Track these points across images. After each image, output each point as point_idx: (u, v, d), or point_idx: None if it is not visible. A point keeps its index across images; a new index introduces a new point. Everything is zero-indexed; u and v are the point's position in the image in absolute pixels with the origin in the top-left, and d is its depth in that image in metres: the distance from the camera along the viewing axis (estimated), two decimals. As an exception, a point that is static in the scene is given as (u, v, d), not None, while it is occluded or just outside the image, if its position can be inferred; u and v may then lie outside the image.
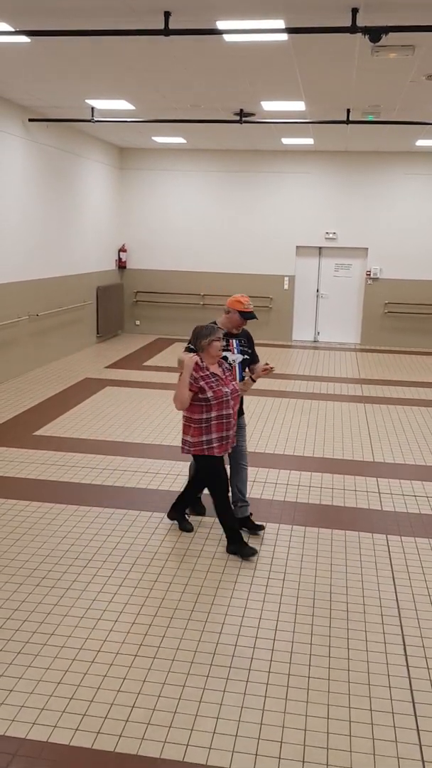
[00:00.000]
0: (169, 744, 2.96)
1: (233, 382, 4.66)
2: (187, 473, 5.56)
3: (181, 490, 5.30)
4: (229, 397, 4.55)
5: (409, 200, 13.25)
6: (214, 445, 4.55)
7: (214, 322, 4.80)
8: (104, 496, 5.69)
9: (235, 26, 5.66)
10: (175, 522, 5.17)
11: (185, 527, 5.05)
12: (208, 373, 4.52)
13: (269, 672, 3.47)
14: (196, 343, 4.59)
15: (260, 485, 6.01)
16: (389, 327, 13.63)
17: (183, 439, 4.64)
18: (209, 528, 5.11)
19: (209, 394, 4.46)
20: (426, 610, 4.09)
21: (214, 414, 4.51)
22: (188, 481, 5.10)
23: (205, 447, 4.55)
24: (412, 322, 13.53)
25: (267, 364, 4.87)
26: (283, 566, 4.58)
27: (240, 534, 4.71)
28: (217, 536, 4.98)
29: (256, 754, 2.92)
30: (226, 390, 4.54)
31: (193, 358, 4.50)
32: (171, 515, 5.13)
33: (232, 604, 4.10)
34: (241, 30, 5.61)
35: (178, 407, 4.52)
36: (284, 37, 5.93)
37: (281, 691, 3.32)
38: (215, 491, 4.65)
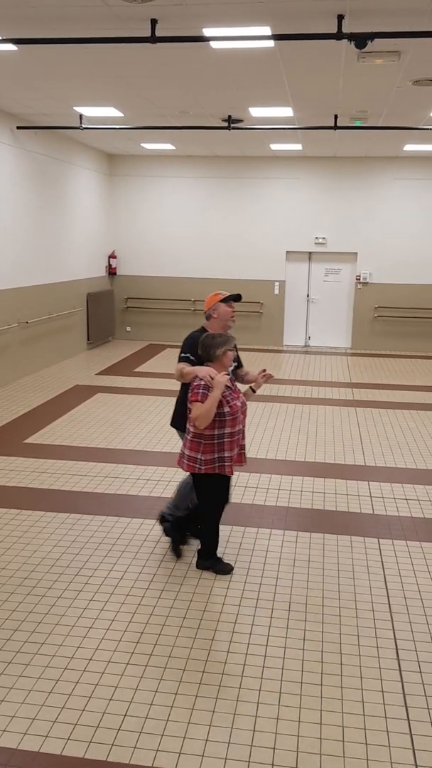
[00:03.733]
0: (162, 752, 2.95)
1: (241, 395, 4.44)
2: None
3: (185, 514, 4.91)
4: (240, 412, 4.33)
5: (398, 205, 13.32)
6: (226, 463, 4.28)
7: (203, 329, 4.66)
8: (96, 503, 5.67)
9: (221, 33, 5.68)
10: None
11: (225, 568, 4.54)
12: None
13: (262, 678, 3.46)
14: (207, 353, 4.32)
15: (252, 490, 6.01)
16: (379, 331, 13.67)
17: (191, 456, 4.27)
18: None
19: (225, 408, 4.21)
20: (418, 614, 4.09)
21: (227, 430, 4.24)
22: (191, 513, 4.75)
23: (217, 465, 4.26)
24: (402, 326, 13.58)
25: (264, 371, 4.60)
26: (276, 571, 4.57)
27: (215, 554, 4.58)
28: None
29: (249, 761, 2.91)
30: (238, 404, 4.31)
31: (223, 374, 4.20)
32: (169, 532, 4.76)
33: (224, 610, 4.09)
34: (228, 37, 5.64)
35: (201, 426, 4.14)
36: (271, 43, 5.96)
37: (274, 698, 3.31)
38: (212, 510, 4.46)
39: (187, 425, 4.34)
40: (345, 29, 5.46)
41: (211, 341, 4.33)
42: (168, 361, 12.03)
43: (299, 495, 5.93)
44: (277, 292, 13.86)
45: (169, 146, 12.37)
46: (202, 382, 4.20)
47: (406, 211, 13.32)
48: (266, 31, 5.68)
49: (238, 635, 3.83)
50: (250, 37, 5.65)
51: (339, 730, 3.11)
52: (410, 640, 3.82)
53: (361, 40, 5.44)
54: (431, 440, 7.61)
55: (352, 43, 5.49)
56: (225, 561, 4.61)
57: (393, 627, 3.95)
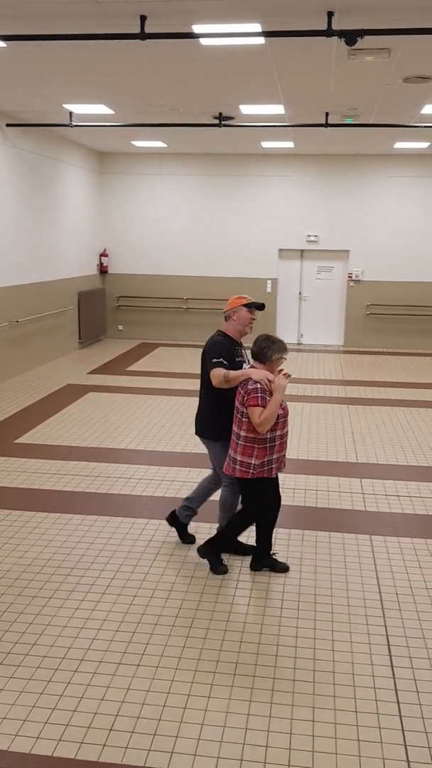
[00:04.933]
0: (154, 752, 2.94)
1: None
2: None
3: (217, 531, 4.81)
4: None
5: (389, 202, 13.33)
6: (273, 465, 4.28)
7: (221, 332, 4.55)
8: (88, 503, 5.65)
9: (211, 30, 5.66)
10: (175, 533, 4.96)
11: (220, 570, 4.50)
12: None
13: (254, 676, 3.45)
14: (264, 354, 4.23)
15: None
16: (372, 328, 13.69)
17: (243, 461, 4.20)
18: (193, 534, 5.09)
19: (279, 411, 4.17)
20: (409, 610, 4.10)
21: (278, 433, 4.23)
22: (224, 527, 4.58)
23: (266, 468, 4.24)
24: (394, 324, 13.59)
25: (282, 370, 4.33)
26: (269, 569, 4.56)
27: (220, 555, 4.56)
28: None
29: (242, 759, 2.90)
30: (286, 406, 4.32)
31: (281, 376, 4.16)
32: (204, 552, 4.55)
33: (216, 609, 4.08)
34: (218, 34, 5.61)
35: (265, 430, 4.11)
36: (261, 40, 5.95)
37: (266, 695, 3.31)
38: (253, 515, 4.41)
39: (238, 431, 4.24)
40: (335, 26, 5.44)
41: (270, 343, 4.25)
42: (160, 360, 12.01)
43: (292, 492, 5.92)
44: (269, 290, 13.84)
45: (160, 144, 12.34)
46: (259, 386, 4.12)
47: (398, 208, 13.33)
48: (256, 27, 5.66)
49: (231, 633, 3.82)
50: (240, 33, 5.63)
51: (331, 726, 3.10)
52: (402, 636, 3.82)
53: (350, 37, 5.42)
54: (423, 437, 7.63)
55: (342, 40, 5.47)
56: (222, 564, 4.56)
57: (385, 623, 3.95)
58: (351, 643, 3.75)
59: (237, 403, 4.25)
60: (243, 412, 4.18)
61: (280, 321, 14.02)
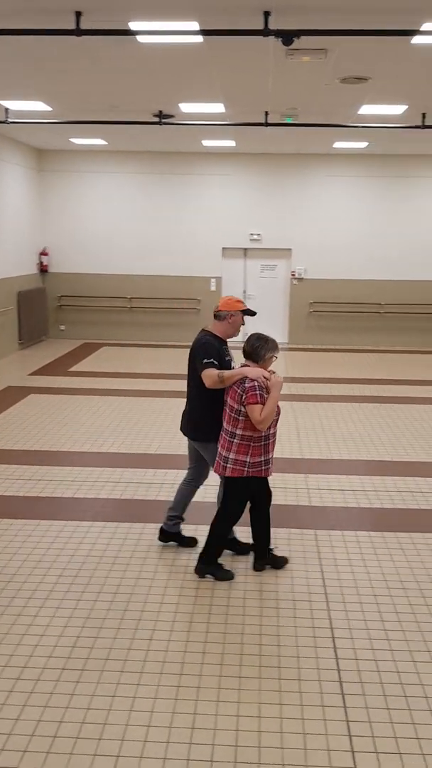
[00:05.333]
0: (99, 757, 2.90)
1: None
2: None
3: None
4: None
5: (330, 201, 13.52)
6: (270, 465, 4.32)
7: (207, 331, 4.50)
8: (31, 506, 5.54)
9: (148, 27, 5.62)
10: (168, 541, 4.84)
11: (226, 575, 4.42)
12: None
13: (201, 675, 3.45)
14: (257, 353, 4.24)
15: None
16: (315, 326, 13.87)
17: (237, 459, 4.19)
18: (138, 536, 5.06)
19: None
20: (353, 602, 4.16)
21: (272, 431, 4.26)
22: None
23: (263, 468, 4.26)
24: (337, 321, 13.80)
25: (273, 372, 4.32)
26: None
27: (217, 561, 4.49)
28: (147, 545, 4.93)
29: (188, 759, 2.90)
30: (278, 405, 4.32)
31: (276, 374, 4.21)
32: (199, 570, 4.46)
33: (162, 609, 4.06)
34: (155, 31, 5.59)
35: (265, 428, 4.12)
36: (199, 39, 5.94)
37: (212, 693, 3.31)
38: (230, 512, 4.36)
39: (233, 429, 4.21)
40: (272, 26, 5.48)
41: (264, 342, 4.26)
42: (104, 360, 11.88)
43: (237, 490, 5.94)
44: (213, 288, 13.87)
45: (100, 141, 12.21)
46: (256, 383, 4.12)
47: (338, 207, 13.54)
48: (194, 26, 5.66)
49: (176, 633, 3.81)
50: (177, 31, 5.61)
51: (277, 721, 3.13)
52: (346, 628, 3.88)
53: (287, 37, 5.48)
54: (366, 432, 7.77)
55: (279, 39, 5.53)
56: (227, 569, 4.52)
57: (330, 617, 4.00)
58: (296, 638, 3.79)
59: (232, 402, 4.21)
60: (240, 410, 4.16)
61: (225, 319, 14.05)
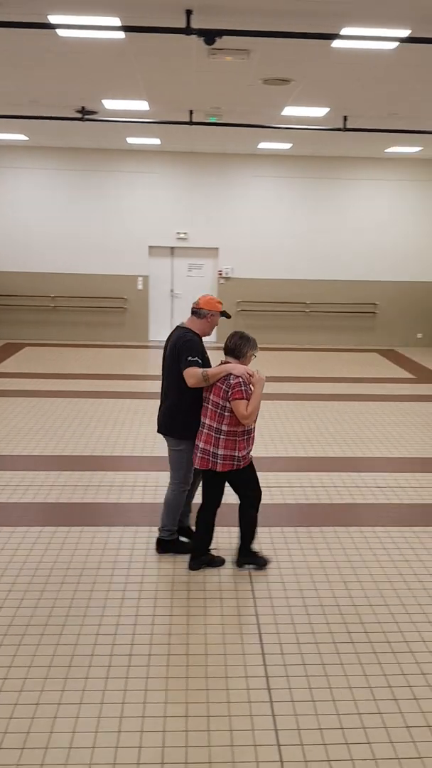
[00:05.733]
0: (22, 766, 2.83)
1: None
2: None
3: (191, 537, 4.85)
4: None
5: (256, 201, 13.65)
6: (252, 455, 4.47)
7: (186, 328, 4.50)
8: None
9: (68, 21, 5.52)
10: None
11: (259, 562, 4.59)
12: None
13: (127, 678, 3.42)
14: (241, 350, 4.34)
15: (118, 489, 5.93)
16: (243, 325, 13.96)
17: (227, 455, 4.28)
18: (77, 539, 4.97)
19: None
20: (279, 597, 4.21)
21: (254, 425, 4.38)
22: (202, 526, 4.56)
23: (249, 458, 4.42)
24: (264, 320, 13.96)
25: (256, 371, 4.37)
26: (142, 568, 4.54)
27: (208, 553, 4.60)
28: (86, 548, 4.85)
29: (114, 763, 2.86)
30: None
31: (260, 374, 4.30)
32: (242, 561, 4.59)
33: (87, 613, 4.00)
34: (75, 25, 5.48)
35: (250, 423, 4.26)
36: (121, 35, 5.88)
37: (139, 696, 3.28)
38: (254, 495, 4.50)
39: (218, 425, 4.27)
40: (194, 25, 5.48)
41: (245, 341, 4.36)
42: (28, 360, 11.61)
43: (164, 490, 5.91)
44: (140, 287, 13.78)
45: (21, 137, 11.91)
46: (241, 380, 4.21)
47: (264, 207, 13.69)
48: (115, 22, 5.59)
49: (102, 637, 3.76)
50: (98, 27, 5.52)
51: (204, 720, 3.13)
52: (273, 624, 3.93)
53: (209, 36, 5.49)
54: (292, 428, 7.88)
55: (202, 39, 5.53)
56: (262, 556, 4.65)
57: (256, 612, 4.04)
58: (224, 635, 3.80)
59: (216, 399, 4.27)
60: (225, 406, 4.23)
61: (153, 318, 14.00)
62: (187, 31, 5.40)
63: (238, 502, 4.55)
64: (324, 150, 12.63)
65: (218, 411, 4.27)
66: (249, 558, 4.59)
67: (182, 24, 5.46)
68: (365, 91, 7.83)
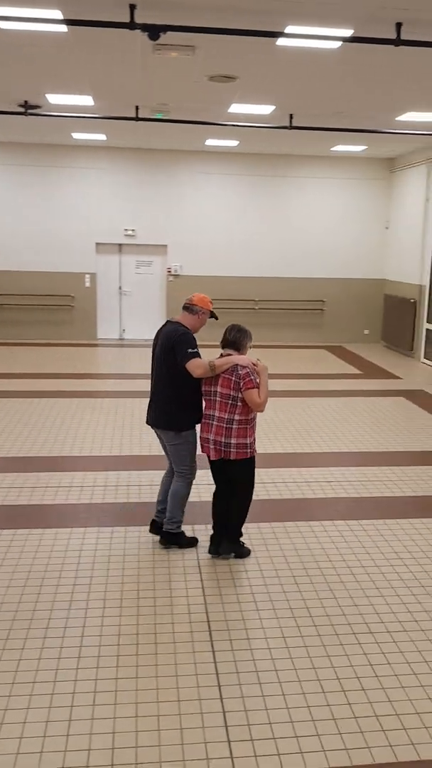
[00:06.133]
0: (-32, 776, 2.77)
1: None
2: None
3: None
4: None
5: (204, 198, 13.66)
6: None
7: (177, 322, 4.66)
8: None
9: (8, 13, 5.40)
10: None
11: (246, 552, 4.74)
12: None
13: (76, 680, 3.37)
14: (241, 342, 4.57)
15: (65, 490, 5.85)
16: (192, 322, 13.96)
17: (239, 443, 4.44)
18: (23, 542, 4.88)
19: None
20: (229, 594, 4.23)
21: (256, 413, 4.54)
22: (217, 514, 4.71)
23: (255, 445, 4.60)
24: (213, 317, 13.96)
25: (258, 360, 4.59)
26: (90, 569, 4.49)
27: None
28: (32, 552, 4.76)
29: (63, 767, 2.83)
30: None
31: (263, 363, 4.50)
32: (230, 549, 4.71)
33: (34, 617, 3.93)
34: (16, 17, 5.38)
35: (263, 410, 4.46)
36: (63, 28, 5.79)
37: (88, 698, 3.24)
38: (251, 491, 4.65)
39: (230, 416, 4.40)
40: (138, 19, 5.44)
41: (244, 334, 4.61)
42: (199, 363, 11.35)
43: (115, 490, 5.87)
44: (88, 284, 13.63)
45: (-37, 131, 11.64)
46: (248, 370, 4.41)
47: (212, 204, 13.70)
48: (57, 14, 5.50)
49: (50, 640, 3.70)
50: (39, 19, 5.44)
51: (154, 719, 3.11)
52: (223, 620, 3.93)
53: (153, 31, 5.46)
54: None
55: (146, 34, 5.49)
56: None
57: (207, 610, 4.04)
58: (174, 633, 3.79)
59: (224, 390, 4.43)
60: (236, 397, 4.39)
61: (101, 316, 13.86)
62: (131, 25, 5.35)
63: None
64: (271, 148, 12.71)
65: (229, 402, 4.43)
66: (235, 546, 4.71)
67: (126, 18, 5.41)
68: (311, 90, 7.91)
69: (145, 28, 5.41)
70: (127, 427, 7.73)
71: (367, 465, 6.69)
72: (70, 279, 13.50)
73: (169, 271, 13.83)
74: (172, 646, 3.68)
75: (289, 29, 5.73)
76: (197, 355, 4.46)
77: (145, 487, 5.96)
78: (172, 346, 4.50)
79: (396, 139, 11.40)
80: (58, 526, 5.12)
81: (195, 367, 4.42)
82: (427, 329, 12.41)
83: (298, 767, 2.86)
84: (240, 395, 4.39)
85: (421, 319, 12.63)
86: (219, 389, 4.45)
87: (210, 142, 12.10)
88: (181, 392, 4.55)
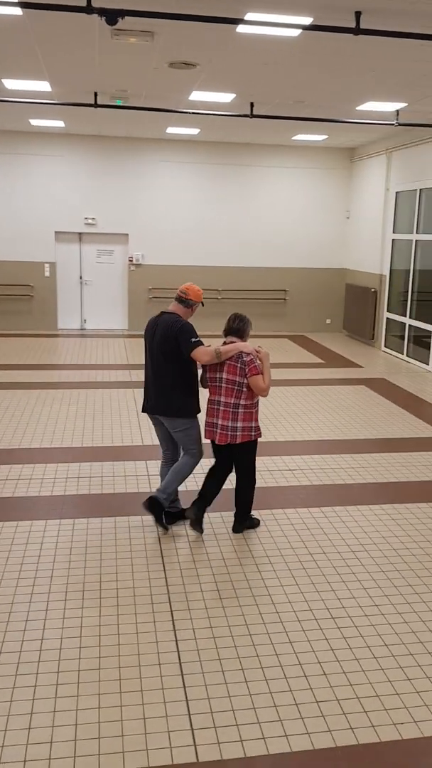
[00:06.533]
0: None
1: None
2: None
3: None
4: None
5: (165, 187, 13.56)
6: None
7: (173, 313, 4.81)
8: None
9: (-39, -6, 5.25)
10: None
11: (255, 522, 5.06)
12: None
13: (37, 674, 3.34)
14: (244, 330, 4.79)
15: (25, 482, 5.78)
16: (155, 312, 13.86)
17: (245, 426, 4.67)
18: (14, 536, 4.80)
19: None
20: (194, 590, 4.23)
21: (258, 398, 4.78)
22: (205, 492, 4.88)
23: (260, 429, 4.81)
24: (176, 306, 13.90)
25: (260, 347, 4.78)
26: (51, 561, 4.45)
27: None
28: (-21, 540, 4.69)
29: (25, 761, 2.80)
30: None
31: (265, 349, 4.72)
32: (240, 527, 5.00)
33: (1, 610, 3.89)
34: (-31, -1, 5.23)
35: (267, 395, 4.69)
36: (18, 11, 5.65)
37: (50, 691, 3.22)
38: (254, 470, 4.90)
39: (236, 401, 4.63)
40: (95, 3, 5.34)
41: (246, 321, 4.84)
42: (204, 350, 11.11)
43: (76, 481, 5.82)
44: (48, 274, 13.44)
45: None
46: (252, 356, 4.64)
47: (174, 193, 13.61)
48: (12, -4, 5.36)
49: (11, 633, 3.66)
50: (-6, 1, 5.29)
51: (117, 710, 3.11)
52: (186, 610, 3.94)
53: (111, 16, 5.36)
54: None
55: (103, 18, 5.40)
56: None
57: (170, 600, 4.04)
58: (137, 624, 3.78)
59: (230, 377, 4.64)
60: (242, 382, 4.62)
61: (62, 306, 13.68)
62: (88, 10, 5.25)
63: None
64: (232, 136, 12.67)
65: (235, 388, 4.64)
66: (247, 521, 4.99)
67: (83, 2, 5.30)
68: (271, 78, 7.89)
69: (102, 12, 5.31)
70: (89, 417, 7.66)
71: (328, 453, 6.75)
72: (29, 268, 13.29)
73: (131, 261, 13.72)
74: (135, 636, 3.67)
75: (249, 16, 5.70)
76: (201, 343, 4.63)
77: (108, 478, 5.92)
78: (175, 336, 4.64)
79: (356, 129, 11.46)
80: (20, 519, 5.05)
81: (202, 354, 4.59)
82: (388, 318, 12.57)
83: (261, 752, 2.89)
84: (245, 381, 4.62)
85: (381, 308, 12.79)
86: (225, 375, 4.66)
87: (171, 129, 12.00)
88: (185, 380, 4.73)
